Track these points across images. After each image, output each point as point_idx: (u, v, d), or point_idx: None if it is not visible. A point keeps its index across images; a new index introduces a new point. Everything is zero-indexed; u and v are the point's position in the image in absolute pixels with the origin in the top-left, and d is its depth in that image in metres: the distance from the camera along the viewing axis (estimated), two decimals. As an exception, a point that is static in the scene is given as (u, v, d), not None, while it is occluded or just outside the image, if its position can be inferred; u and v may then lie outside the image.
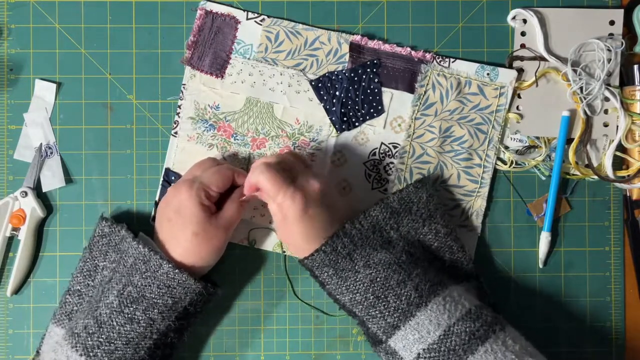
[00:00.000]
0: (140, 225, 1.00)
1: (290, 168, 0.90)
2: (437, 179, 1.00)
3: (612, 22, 0.99)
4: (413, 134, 1.00)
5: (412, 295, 0.85)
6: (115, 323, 0.86)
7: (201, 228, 0.89)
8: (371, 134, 1.00)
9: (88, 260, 0.95)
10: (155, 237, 0.93)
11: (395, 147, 1.00)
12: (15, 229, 0.99)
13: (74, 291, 0.94)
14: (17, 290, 1.00)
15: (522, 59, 1.00)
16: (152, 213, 1.00)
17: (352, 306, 0.89)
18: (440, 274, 0.90)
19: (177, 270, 0.87)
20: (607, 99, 0.99)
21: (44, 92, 1.00)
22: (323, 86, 0.99)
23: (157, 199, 1.00)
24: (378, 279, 0.86)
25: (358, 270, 0.87)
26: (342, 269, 0.88)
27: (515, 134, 1.00)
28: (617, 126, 1.00)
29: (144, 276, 0.87)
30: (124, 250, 0.91)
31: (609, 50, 0.98)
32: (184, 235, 0.89)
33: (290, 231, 0.88)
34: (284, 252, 1.01)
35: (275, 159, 0.89)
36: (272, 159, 0.89)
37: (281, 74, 0.99)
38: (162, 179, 1.00)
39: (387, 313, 0.86)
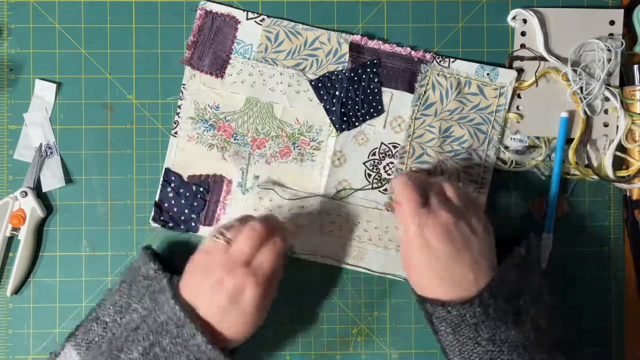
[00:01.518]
0: (139, 224, 1.00)
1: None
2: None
3: (612, 22, 0.99)
4: (413, 133, 1.00)
5: None
6: None
7: (258, 317, 0.86)
8: (371, 134, 1.00)
9: (124, 296, 0.90)
10: (183, 286, 0.87)
11: (395, 147, 1.00)
12: (15, 229, 0.99)
13: (102, 322, 0.90)
14: (17, 290, 1.00)
15: (522, 59, 1.00)
16: (152, 213, 1.00)
17: None
18: (555, 354, 0.85)
19: (210, 346, 0.80)
20: (607, 99, 0.99)
21: (44, 92, 1.00)
22: (323, 86, 0.99)
23: (157, 198, 1.00)
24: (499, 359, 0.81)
25: (479, 343, 0.81)
26: (462, 334, 0.82)
27: (515, 134, 1.00)
28: (617, 126, 1.00)
29: (174, 341, 0.81)
30: (159, 302, 0.85)
31: (609, 50, 0.98)
32: (235, 320, 0.84)
33: (412, 259, 0.85)
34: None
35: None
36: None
37: (281, 74, 0.99)
38: (162, 179, 1.00)
39: None
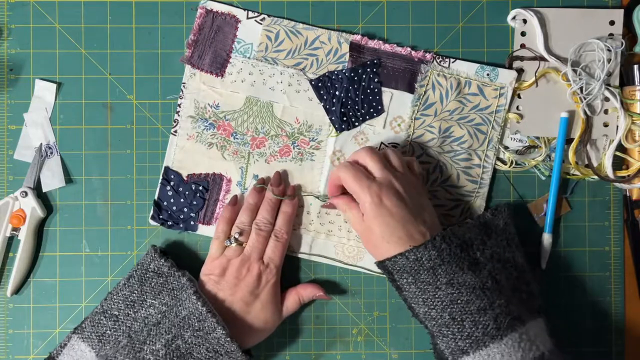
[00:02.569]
0: (139, 224, 1.00)
1: (374, 166, 0.92)
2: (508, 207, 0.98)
3: (612, 22, 0.99)
4: (413, 134, 1.00)
5: (490, 326, 0.83)
6: None
7: (277, 319, 0.97)
8: (371, 134, 1.00)
9: (135, 292, 0.95)
10: (203, 289, 0.95)
11: (395, 147, 1.00)
12: (15, 229, 0.99)
13: (111, 315, 0.95)
14: (17, 290, 1.00)
15: (522, 59, 1.00)
16: (151, 212, 1.00)
17: (424, 319, 0.88)
18: (520, 307, 0.87)
19: (228, 339, 0.88)
20: (607, 99, 0.99)
21: (44, 92, 1.00)
22: (323, 86, 0.99)
23: (156, 197, 1.00)
24: (459, 301, 0.85)
25: (439, 287, 0.85)
26: (423, 281, 0.86)
27: (515, 134, 1.00)
28: (617, 126, 1.00)
29: (195, 334, 0.88)
30: (180, 299, 0.92)
31: (609, 50, 0.98)
32: (256, 312, 0.95)
33: (368, 227, 0.90)
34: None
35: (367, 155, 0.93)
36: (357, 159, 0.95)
37: (281, 73, 0.99)
38: (161, 177, 1.00)
39: (459, 337, 0.84)
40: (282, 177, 1.00)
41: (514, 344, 0.83)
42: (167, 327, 0.90)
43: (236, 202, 1.00)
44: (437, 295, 0.85)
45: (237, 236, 0.96)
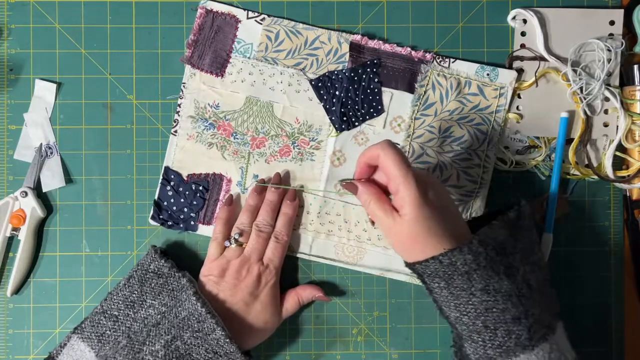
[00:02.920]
0: (139, 224, 1.00)
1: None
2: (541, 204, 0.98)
3: (612, 22, 0.99)
4: (413, 134, 1.00)
5: (523, 336, 0.79)
6: None
7: (276, 320, 0.97)
8: (371, 134, 1.00)
9: (135, 292, 0.95)
10: (201, 286, 0.96)
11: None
12: (15, 229, 0.99)
13: (111, 315, 0.95)
14: (17, 290, 1.00)
15: (522, 59, 1.00)
16: (152, 212, 1.00)
17: (454, 322, 0.83)
18: (548, 313, 0.84)
19: (227, 340, 0.88)
20: (607, 99, 0.99)
21: (44, 92, 1.00)
22: (323, 86, 0.99)
23: (156, 197, 1.00)
24: (494, 310, 0.80)
25: (474, 293, 0.80)
26: (456, 287, 0.81)
27: (515, 134, 1.00)
28: (617, 126, 1.00)
29: (195, 335, 0.89)
30: (180, 300, 0.93)
31: (609, 50, 0.98)
32: (256, 312, 0.95)
33: (405, 224, 0.80)
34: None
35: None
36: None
37: (281, 73, 0.99)
38: (161, 177, 1.00)
39: (490, 345, 0.80)
40: (282, 178, 1.00)
41: (544, 354, 0.80)
42: (167, 328, 0.90)
43: (231, 202, 1.00)
44: (470, 302, 0.80)
45: (237, 237, 0.96)
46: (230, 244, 0.96)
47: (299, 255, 1.01)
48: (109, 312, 0.95)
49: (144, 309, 0.95)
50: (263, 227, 0.97)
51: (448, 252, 0.79)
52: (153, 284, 0.95)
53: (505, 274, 0.81)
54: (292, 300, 0.97)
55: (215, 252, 0.97)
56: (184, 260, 1.00)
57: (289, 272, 1.00)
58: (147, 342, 0.89)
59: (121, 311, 0.95)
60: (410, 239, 0.81)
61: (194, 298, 0.90)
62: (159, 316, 0.93)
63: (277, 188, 0.99)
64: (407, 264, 0.85)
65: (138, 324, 0.94)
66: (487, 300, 0.80)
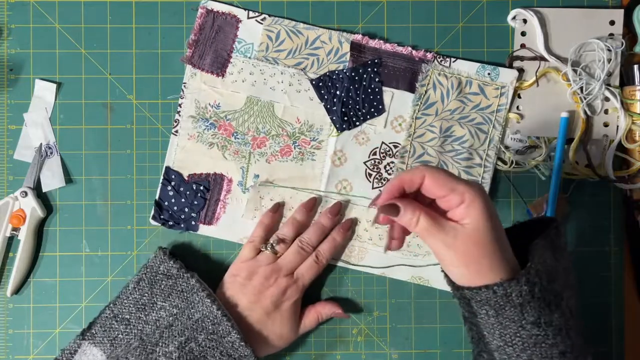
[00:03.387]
0: (139, 224, 1.00)
1: None
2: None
3: (612, 22, 1.00)
4: (414, 133, 1.00)
5: None
6: None
7: (292, 336, 0.97)
8: (372, 134, 1.00)
9: (146, 295, 0.96)
10: (224, 286, 0.96)
11: (395, 147, 1.00)
12: (15, 229, 0.98)
13: (122, 319, 0.95)
14: (17, 290, 0.99)
15: (522, 59, 1.00)
16: (152, 212, 1.00)
17: (495, 349, 0.77)
18: (584, 341, 0.80)
19: (243, 343, 0.88)
20: (607, 99, 0.99)
21: (44, 92, 1.00)
22: (324, 85, 0.99)
23: (157, 197, 1.00)
24: (543, 345, 0.74)
25: (524, 326, 0.74)
26: (506, 317, 0.74)
27: (516, 134, 1.00)
28: (617, 126, 1.00)
29: (209, 337, 0.89)
30: (192, 301, 0.93)
31: (609, 50, 0.99)
32: (275, 325, 0.95)
33: (466, 236, 0.73)
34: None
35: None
36: None
37: (282, 73, 0.99)
38: (162, 177, 1.00)
39: None
40: (341, 208, 1.01)
41: None
42: (180, 329, 0.90)
43: (277, 210, 1.00)
44: (519, 334, 0.75)
45: (274, 244, 0.96)
46: (266, 249, 0.96)
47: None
48: (120, 315, 0.95)
49: (155, 311, 0.95)
50: (306, 247, 0.97)
51: (504, 283, 0.72)
52: (163, 286, 0.96)
53: (555, 305, 0.75)
54: (311, 317, 0.98)
55: (249, 254, 0.97)
56: (185, 260, 0.99)
57: (309, 288, 1.00)
58: (160, 344, 0.89)
59: (133, 314, 0.95)
60: (478, 249, 0.73)
61: (209, 300, 0.90)
62: (170, 318, 0.93)
63: (334, 215, 0.99)
64: (455, 287, 0.77)
65: (150, 326, 0.94)
66: (537, 334, 0.74)
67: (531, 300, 0.73)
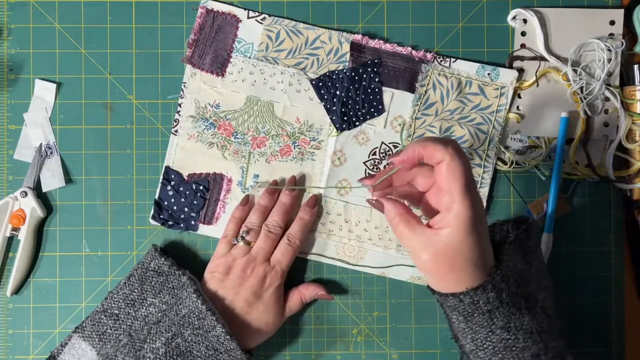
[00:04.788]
0: (139, 224, 1.00)
1: None
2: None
3: (612, 22, 1.00)
4: (413, 133, 1.00)
5: None
6: None
7: (278, 322, 0.96)
8: (371, 134, 1.00)
9: (135, 290, 0.96)
10: (205, 283, 0.96)
11: (395, 147, 1.00)
12: (15, 229, 0.98)
13: (111, 314, 0.95)
14: (17, 290, 0.99)
15: (522, 59, 1.00)
16: (152, 212, 1.00)
17: (469, 353, 0.79)
18: (562, 342, 0.80)
19: (228, 337, 0.88)
20: (607, 99, 0.99)
21: (44, 92, 1.00)
22: (324, 85, 0.99)
23: (156, 197, 1.00)
24: (514, 348, 0.75)
25: (494, 331, 0.75)
26: (476, 323, 0.75)
27: (516, 134, 1.00)
28: (618, 126, 1.00)
29: (195, 332, 0.89)
30: (180, 297, 0.93)
31: (609, 50, 0.99)
32: (258, 313, 0.94)
33: (436, 246, 0.73)
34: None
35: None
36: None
37: (282, 73, 1.00)
38: (161, 177, 1.00)
39: None
40: (297, 181, 1.01)
41: None
42: (167, 325, 0.90)
43: (247, 202, 1.00)
44: (489, 339, 0.75)
45: (244, 235, 0.96)
46: (238, 242, 0.96)
47: (299, 255, 1.00)
48: (109, 310, 0.95)
49: (144, 307, 0.95)
50: (273, 229, 0.97)
51: (471, 291, 0.74)
52: (153, 282, 0.96)
53: (526, 308, 0.76)
54: (295, 299, 0.97)
55: (224, 249, 0.97)
56: (185, 260, 1.00)
57: (290, 271, 0.99)
58: (148, 340, 0.89)
59: (122, 310, 0.95)
60: (446, 263, 0.73)
61: (194, 295, 0.90)
62: (159, 314, 0.94)
63: (291, 191, 0.99)
64: (430, 290, 0.80)
65: (139, 322, 0.95)
66: (507, 338, 0.75)
67: (500, 306, 0.74)
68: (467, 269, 0.73)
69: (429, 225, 0.75)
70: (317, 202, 1.00)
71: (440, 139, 0.74)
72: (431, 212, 0.79)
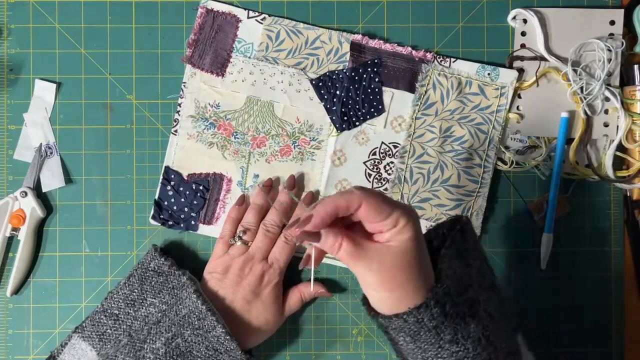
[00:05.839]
0: (139, 224, 1.00)
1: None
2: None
3: (612, 22, 1.00)
4: (413, 133, 1.00)
5: None
6: None
7: (278, 320, 0.96)
8: (371, 134, 1.00)
9: (135, 290, 0.96)
10: (204, 284, 0.96)
11: (395, 147, 1.00)
12: (15, 229, 0.98)
13: (111, 314, 0.95)
14: (17, 291, 0.99)
15: (522, 59, 1.00)
16: (152, 212, 1.00)
17: None
18: (513, 336, 0.78)
19: (228, 337, 0.88)
20: (607, 99, 0.99)
21: (43, 92, 1.00)
22: (324, 85, 0.99)
23: (156, 197, 1.00)
24: (466, 359, 0.71)
25: (442, 346, 0.71)
26: (424, 341, 0.72)
27: (516, 134, 1.00)
28: (618, 126, 1.00)
29: (195, 332, 0.89)
30: (180, 297, 0.93)
31: (609, 50, 0.99)
32: (257, 311, 0.94)
33: (389, 256, 0.70)
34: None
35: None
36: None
37: (282, 73, 0.99)
38: (161, 177, 1.00)
39: None
40: (296, 181, 1.00)
41: None
42: (167, 325, 0.90)
43: (243, 202, 0.99)
44: (439, 355, 0.72)
45: (241, 235, 0.96)
46: (235, 241, 0.96)
47: (298, 254, 1.00)
48: (109, 310, 0.95)
49: (144, 307, 0.95)
50: (270, 227, 0.97)
51: (414, 310, 0.69)
52: (153, 282, 0.96)
53: (470, 315, 0.72)
54: (294, 298, 0.97)
55: (221, 249, 0.97)
56: (184, 259, 1.00)
57: (289, 271, 0.99)
58: (148, 340, 0.89)
59: (122, 310, 0.95)
60: (403, 273, 0.70)
61: (195, 296, 0.90)
62: (159, 314, 0.94)
63: (290, 189, 0.99)
64: (371, 315, 0.74)
65: (139, 322, 0.95)
66: (457, 351, 0.72)
67: (445, 320, 0.70)
68: (412, 283, 0.70)
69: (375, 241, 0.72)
70: (314, 200, 1.00)
71: (342, 193, 0.70)
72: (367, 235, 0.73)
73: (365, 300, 0.75)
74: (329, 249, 0.71)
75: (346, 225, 0.73)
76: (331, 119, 1.00)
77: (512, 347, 0.76)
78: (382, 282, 0.70)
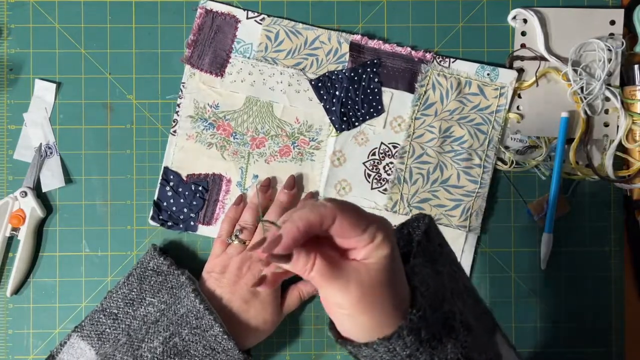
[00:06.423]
0: (139, 224, 1.00)
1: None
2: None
3: (612, 22, 0.99)
4: (413, 133, 0.99)
5: None
6: None
7: (276, 319, 0.96)
8: (371, 134, 1.00)
9: (134, 290, 0.96)
10: (203, 286, 0.95)
11: (395, 147, 1.00)
12: (15, 229, 0.98)
13: (110, 313, 0.95)
14: (17, 291, 0.99)
15: (522, 58, 1.00)
16: (151, 213, 1.00)
17: None
18: (490, 340, 0.73)
19: (225, 336, 0.88)
20: (607, 99, 0.99)
21: (43, 92, 1.00)
22: (323, 86, 0.99)
23: (155, 197, 1.00)
24: None
25: None
26: None
27: (516, 134, 1.00)
28: (618, 126, 1.00)
29: (193, 332, 0.88)
30: (179, 297, 0.92)
31: (610, 50, 0.98)
32: (256, 311, 0.94)
33: (366, 274, 0.61)
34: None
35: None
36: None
37: (281, 73, 0.99)
38: (160, 177, 1.00)
39: None
40: (296, 181, 1.00)
41: None
42: (165, 324, 0.90)
43: (241, 202, 0.99)
44: None
45: (238, 234, 0.96)
46: (232, 240, 0.96)
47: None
48: (108, 310, 0.95)
49: (143, 307, 0.95)
50: (269, 227, 0.94)
51: (384, 340, 0.61)
52: (152, 282, 0.96)
53: (447, 335, 0.65)
54: (293, 296, 0.97)
55: (219, 249, 0.97)
56: (184, 260, 1.00)
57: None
58: (146, 339, 0.89)
59: (120, 309, 0.95)
60: (383, 291, 0.61)
61: (193, 295, 0.90)
62: (158, 313, 0.94)
63: (289, 190, 0.99)
64: (340, 343, 0.66)
65: (137, 322, 0.95)
66: None
67: (419, 347, 0.63)
68: (391, 302, 0.62)
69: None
70: (313, 197, 1.00)
71: (313, 206, 0.62)
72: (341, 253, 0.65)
73: (332, 326, 0.66)
74: (300, 271, 0.62)
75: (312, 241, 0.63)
76: (330, 119, 0.99)
77: (491, 352, 0.71)
78: (358, 304, 0.61)
